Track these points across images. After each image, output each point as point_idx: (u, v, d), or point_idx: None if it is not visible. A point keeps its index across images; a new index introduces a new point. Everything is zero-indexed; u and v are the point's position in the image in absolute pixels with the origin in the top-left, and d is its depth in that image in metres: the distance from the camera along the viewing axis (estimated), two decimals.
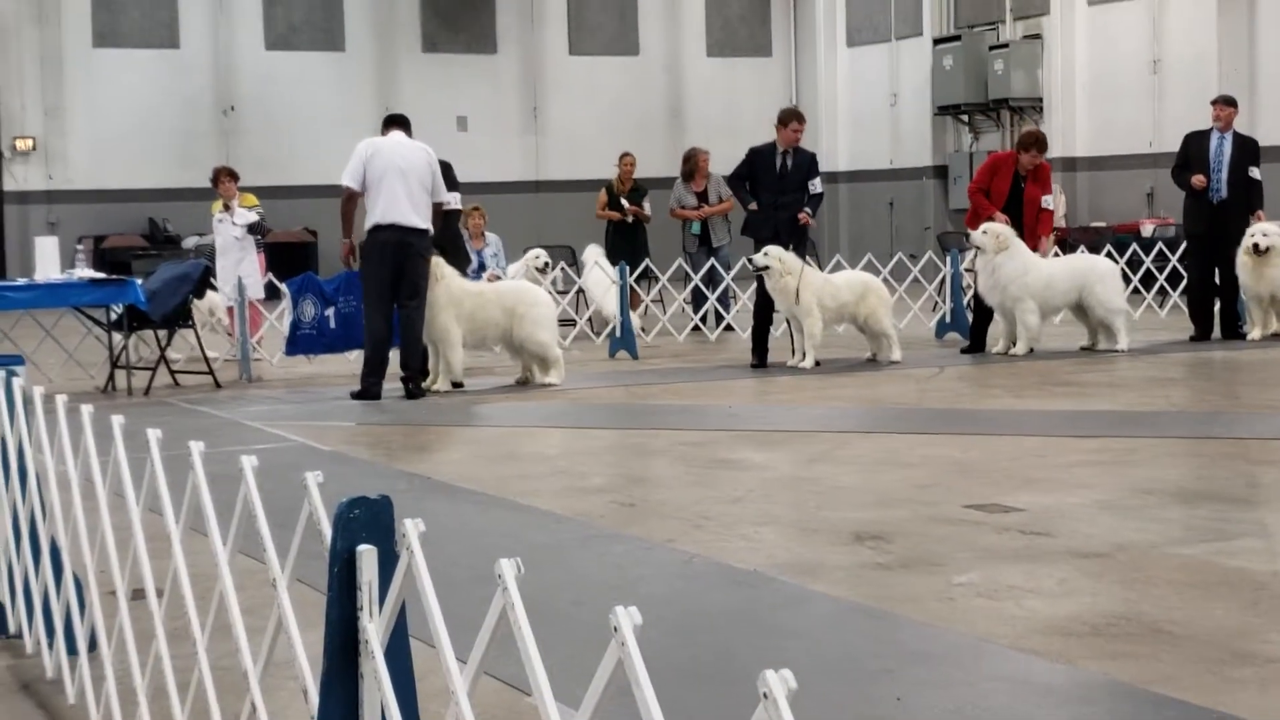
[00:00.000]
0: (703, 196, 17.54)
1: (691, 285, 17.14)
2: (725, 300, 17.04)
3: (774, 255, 12.96)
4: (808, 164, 13.40)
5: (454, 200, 13.45)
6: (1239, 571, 5.60)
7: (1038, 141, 14.00)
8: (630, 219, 17.71)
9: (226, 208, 15.68)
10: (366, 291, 11.92)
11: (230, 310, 14.67)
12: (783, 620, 5.23)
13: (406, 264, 11.63)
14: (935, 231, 25.08)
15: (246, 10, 26.89)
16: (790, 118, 13.35)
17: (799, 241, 13.38)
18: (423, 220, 11.67)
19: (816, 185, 13.45)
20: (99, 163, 26.04)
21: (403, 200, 11.57)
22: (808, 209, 13.32)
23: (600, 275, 16.35)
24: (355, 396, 11.76)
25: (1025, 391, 11.46)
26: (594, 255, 16.94)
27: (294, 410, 11.42)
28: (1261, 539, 6.14)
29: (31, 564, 4.63)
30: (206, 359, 13.23)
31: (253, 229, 15.56)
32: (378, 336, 11.80)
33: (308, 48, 27.28)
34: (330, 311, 13.76)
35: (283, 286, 14.48)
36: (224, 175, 15.83)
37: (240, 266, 15.22)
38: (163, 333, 13.11)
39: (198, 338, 13.48)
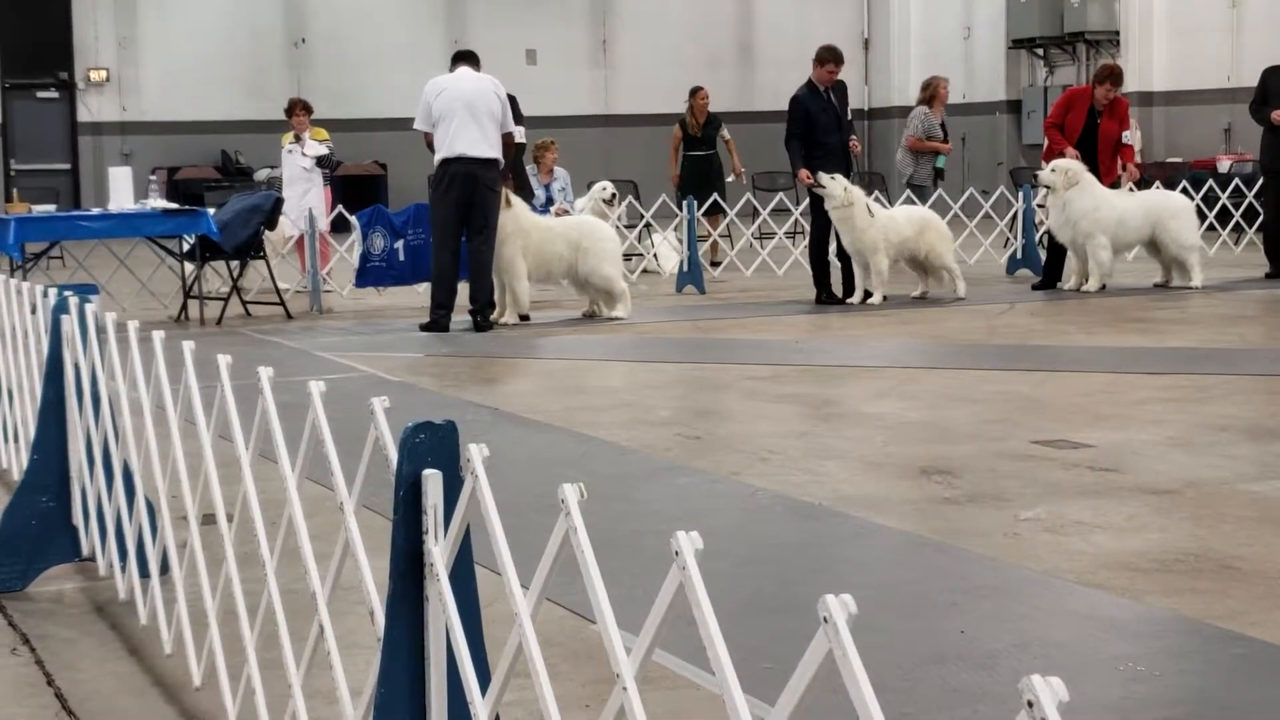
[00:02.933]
0: (944, 129, 16.92)
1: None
2: None
3: (840, 183, 12.89)
4: (844, 95, 13.39)
5: (519, 134, 13.48)
6: None
7: (1113, 74, 13.84)
8: (712, 159, 17.58)
9: (297, 139, 15.74)
10: (434, 224, 11.96)
11: (300, 241, 14.79)
12: (847, 553, 5.23)
13: (475, 195, 11.66)
14: (1008, 167, 24.81)
15: None
16: (829, 58, 13.24)
17: (850, 172, 13.39)
18: (492, 150, 11.68)
19: (850, 114, 13.53)
20: (171, 94, 26.21)
21: (470, 131, 11.60)
22: (855, 136, 13.45)
23: (662, 243, 16.52)
24: (424, 328, 11.83)
25: (1096, 328, 11.35)
26: (660, 236, 16.95)
27: (362, 341, 11.50)
28: None
29: (105, 489, 4.70)
30: (278, 290, 13.33)
31: (321, 161, 15.62)
32: (444, 269, 11.85)
33: None
34: (399, 244, 13.83)
35: (352, 219, 14.55)
36: (299, 108, 15.87)
37: (306, 198, 15.30)
38: (234, 263, 13.22)
39: (269, 269, 13.59)
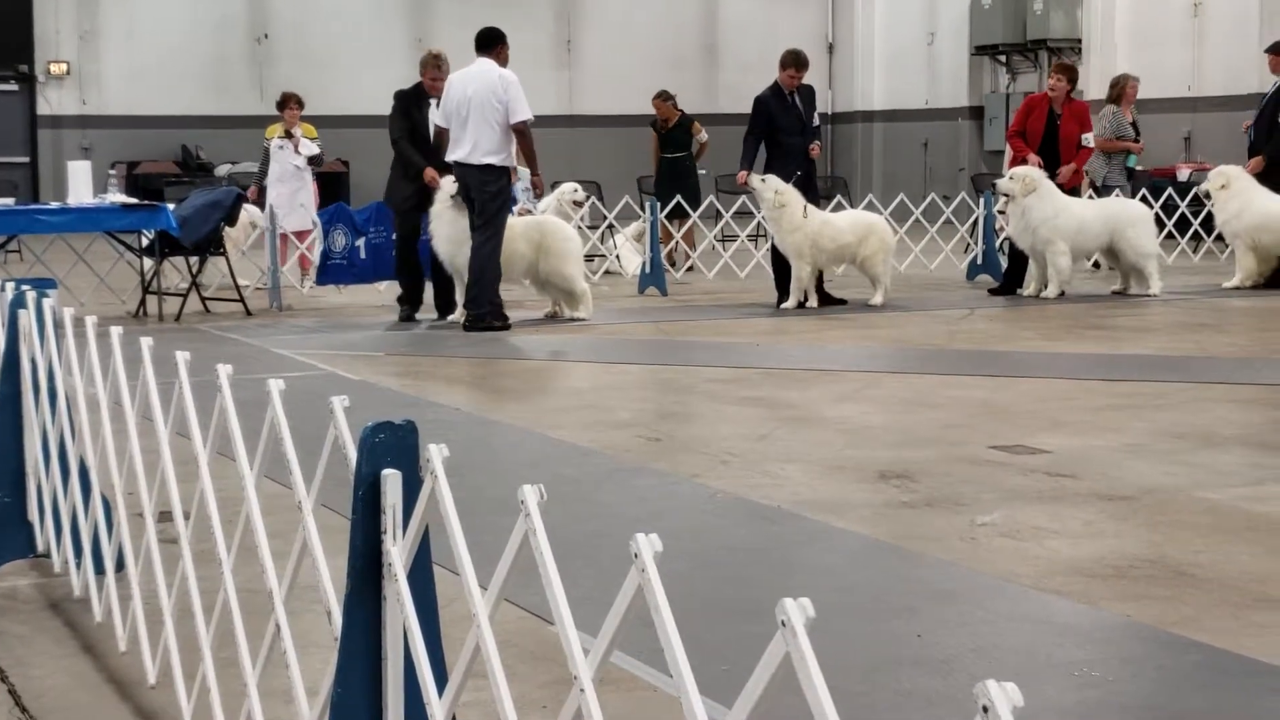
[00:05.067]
0: (1134, 128, 16.75)
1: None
2: None
3: (771, 184, 12.91)
4: (812, 99, 13.42)
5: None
6: (1265, 517, 5.59)
7: (1063, 68, 14.08)
8: (690, 154, 17.57)
9: (289, 134, 15.55)
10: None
11: (300, 236, 14.84)
12: (806, 556, 5.24)
13: (473, 196, 11.76)
14: (969, 173, 24.92)
15: None
16: (793, 62, 13.26)
17: (812, 174, 13.41)
18: (485, 157, 11.71)
19: (816, 119, 13.55)
20: (132, 88, 26.04)
21: (467, 139, 11.72)
22: (817, 142, 13.49)
23: (624, 244, 16.56)
24: (468, 328, 11.69)
25: (1055, 334, 11.42)
26: (627, 233, 16.94)
27: (323, 339, 11.46)
28: None
29: (60, 484, 4.67)
30: (238, 286, 13.27)
31: (314, 160, 15.56)
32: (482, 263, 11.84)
33: None
34: (361, 242, 13.79)
35: (314, 216, 14.50)
36: (292, 102, 15.59)
37: (298, 195, 15.23)
38: (194, 259, 13.15)
39: (229, 265, 13.52)
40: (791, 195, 12.92)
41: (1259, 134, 15.02)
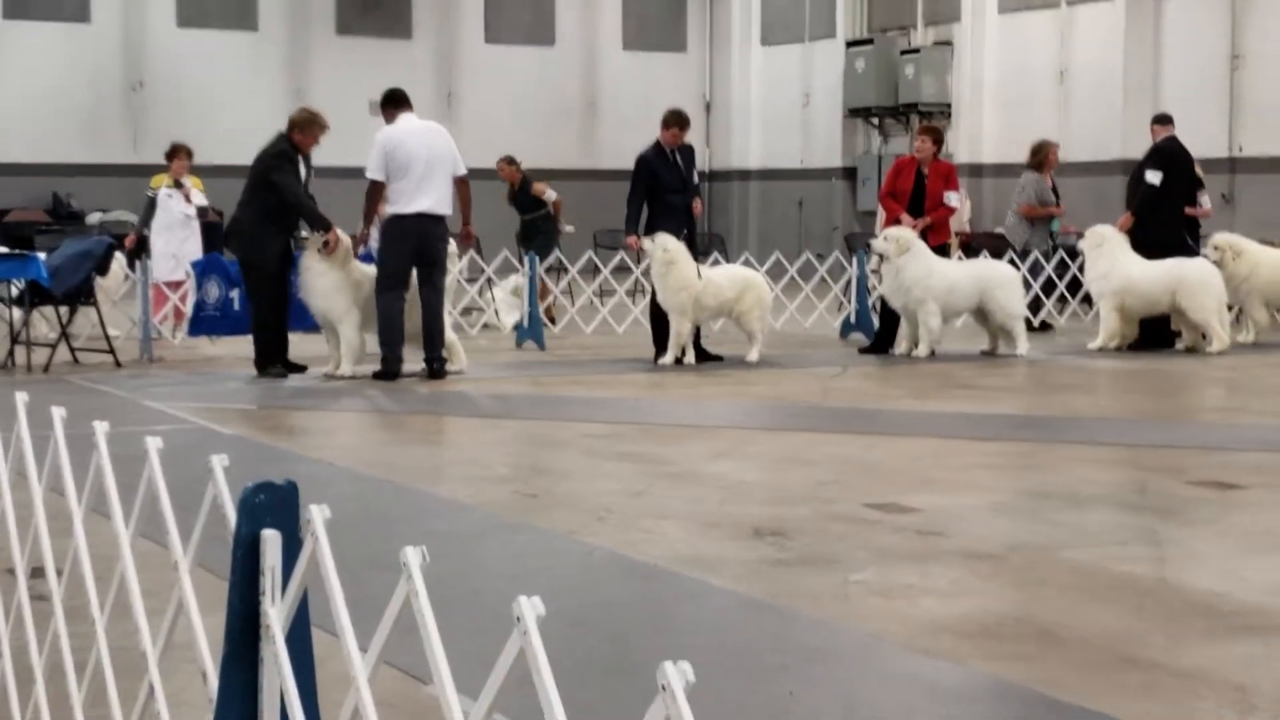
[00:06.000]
0: (1055, 192, 17.03)
1: (1043, 279, 16.58)
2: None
3: (660, 243, 13.01)
4: (692, 157, 13.61)
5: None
6: (1127, 576, 5.73)
7: (928, 130, 14.44)
8: (548, 212, 17.58)
9: (178, 184, 15.42)
10: (385, 272, 12.02)
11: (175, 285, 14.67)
12: (682, 614, 5.28)
13: (426, 247, 12.02)
14: (843, 232, 25.29)
15: None
16: (675, 121, 13.43)
17: (694, 232, 13.57)
18: (448, 208, 12.14)
19: (696, 176, 13.74)
20: (3, 135, 25.59)
21: (432, 190, 12.02)
22: (699, 199, 13.70)
23: (501, 294, 16.59)
24: (378, 376, 11.84)
25: (926, 393, 11.61)
26: (504, 287, 16.96)
27: (193, 391, 11.33)
28: (1149, 545, 6.28)
29: None
30: (108, 337, 13.08)
31: (201, 211, 15.45)
32: (395, 316, 11.97)
33: (220, 26, 26.96)
34: (235, 293, 13.67)
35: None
36: (181, 152, 15.56)
37: (184, 246, 15.09)
38: (64, 309, 12.95)
39: (100, 315, 13.33)
40: (681, 253, 13.04)
41: (1129, 194, 15.49)
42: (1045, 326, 16.60)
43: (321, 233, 11.96)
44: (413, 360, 12.06)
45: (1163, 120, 15.55)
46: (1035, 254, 16.65)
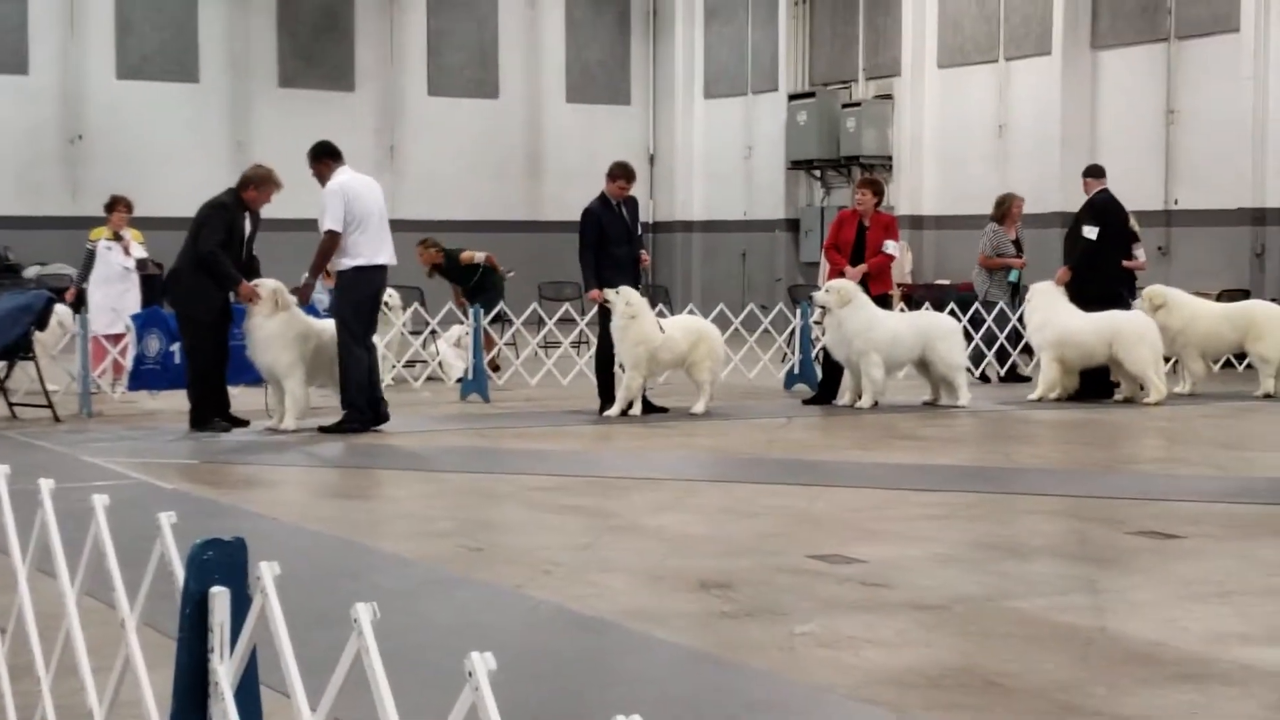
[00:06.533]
0: (1017, 245, 17.26)
1: (1008, 329, 16.72)
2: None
3: (624, 296, 13.05)
4: (636, 209, 13.73)
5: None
6: (1069, 626, 5.78)
7: (868, 182, 14.62)
8: (485, 268, 17.56)
9: (117, 237, 15.36)
10: (354, 328, 12.01)
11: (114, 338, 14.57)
12: (628, 667, 5.29)
13: (380, 299, 12.47)
14: (786, 283, 25.44)
15: (98, 38, 26.40)
16: (621, 174, 13.54)
17: (638, 284, 13.63)
18: (392, 259, 12.40)
19: (640, 228, 13.87)
20: None
21: (387, 242, 12.26)
22: (645, 250, 13.83)
23: (445, 346, 16.62)
24: (337, 430, 11.85)
25: (869, 444, 11.67)
26: (448, 339, 16.97)
27: (135, 446, 11.24)
28: (1090, 595, 6.34)
29: None
30: (46, 392, 12.96)
31: (140, 264, 15.39)
32: (364, 371, 12.02)
33: (160, 78, 26.86)
34: (175, 347, 13.57)
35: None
36: (121, 204, 15.53)
37: (124, 299, 15.01)
38: (2, 364, 12.83)
39: (38, 369, 13.20)
40: (643, 308, 13.11)
41: (1066, 248, 15.67)
42: (1013, 375, 16.77)
43: (231, 293, 11.90)
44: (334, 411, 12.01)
45: (1095, 173, 15.75)
46: (1001, 304, 16.83)
